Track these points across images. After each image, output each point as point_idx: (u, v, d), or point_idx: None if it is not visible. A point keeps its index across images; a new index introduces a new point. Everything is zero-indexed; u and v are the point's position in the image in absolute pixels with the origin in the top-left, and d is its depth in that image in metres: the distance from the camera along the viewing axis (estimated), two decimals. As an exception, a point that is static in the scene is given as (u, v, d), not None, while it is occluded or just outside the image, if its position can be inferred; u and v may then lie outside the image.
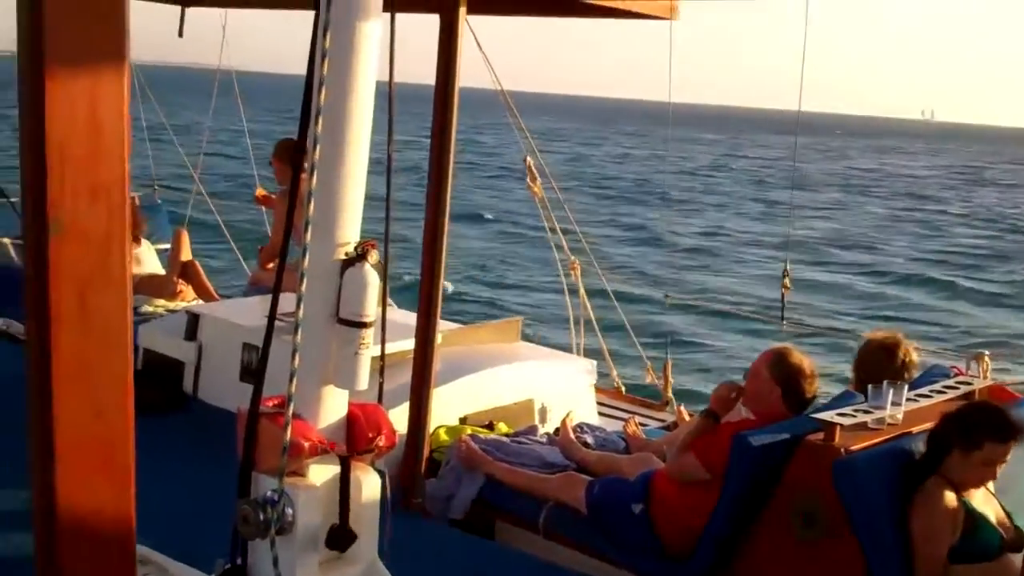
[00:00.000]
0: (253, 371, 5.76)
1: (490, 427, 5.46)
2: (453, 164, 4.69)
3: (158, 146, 10.40)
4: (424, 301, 4.79)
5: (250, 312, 6.26)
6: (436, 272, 4.76)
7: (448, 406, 5.33)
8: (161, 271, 8.45)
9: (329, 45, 2.52)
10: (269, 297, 6.89)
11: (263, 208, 8.37)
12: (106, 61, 1.50)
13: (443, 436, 5.24)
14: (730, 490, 4.04)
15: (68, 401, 1.57)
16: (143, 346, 6.53)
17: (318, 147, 2.57)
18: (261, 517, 2.61)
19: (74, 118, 1.48)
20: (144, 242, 8.57)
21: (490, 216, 30.94)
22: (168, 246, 8.87)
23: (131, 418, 1.66)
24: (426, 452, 4.96)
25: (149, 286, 8.13)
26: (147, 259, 8.49)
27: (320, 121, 2.55)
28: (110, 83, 1.50)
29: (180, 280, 8.16)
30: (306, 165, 6.74)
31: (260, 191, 7.94)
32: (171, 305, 7.92)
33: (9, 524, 4.48)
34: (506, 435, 5.31)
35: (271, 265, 7.47)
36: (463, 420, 5.47)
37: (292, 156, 7.01)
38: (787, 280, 6.33)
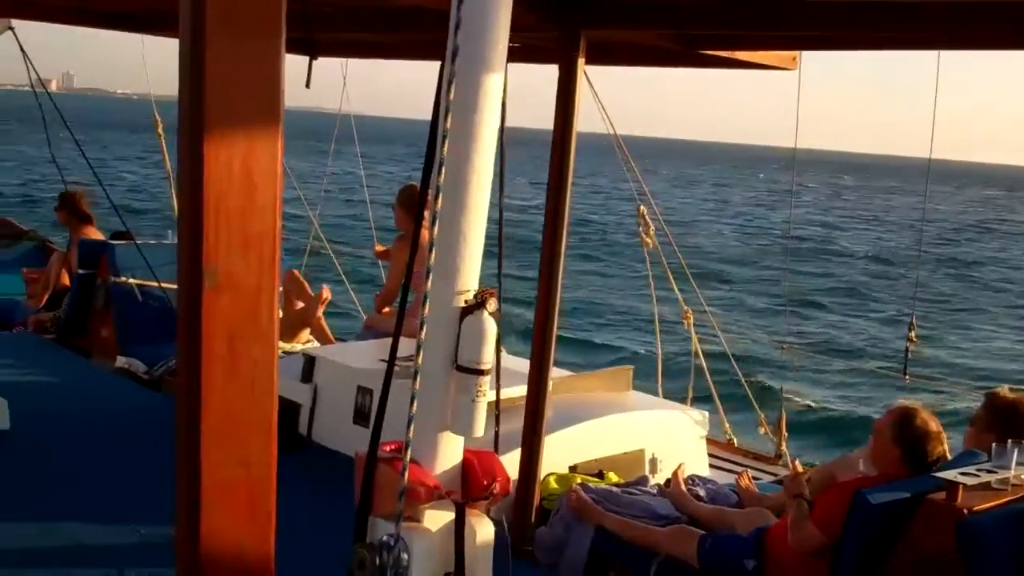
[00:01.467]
0: (366, 414, 5.84)
1: (600, 476, 5.43)
2: (569, 211, 4.71)
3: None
4: (537, 348, 4.81)
5: (365, 355, 6.35)
6: (550, 319, 4.77)
7: (558, 454, 5.32)
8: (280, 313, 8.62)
9: (453, 97, 2.57)
10: (384, 341, 7.06)
11: (381, 261, 8.51)
12: (262, 120, 1.55)
13: (553, 484, 5.22)
14: (849, 548, 3.95)
15: (215, 448, 1.61)
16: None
17: (440, 197, 2.62)
18: (377, 562, 2.64)
19: (231, 173, 1.53)
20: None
21: (602, 261, 30.88)
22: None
23: (274, 467, 1.69)
24: (536, 500, 4.95)
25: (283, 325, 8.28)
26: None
27: (443, 172, 2.59)
28: (265, 140, 1.55)
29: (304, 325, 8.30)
30: (427, 214, 6.81)
31: (379, 247, 8.07)
32: (287, 347, 8.08)
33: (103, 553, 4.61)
34: (616, 485, 5.27)
35: (386, 309, 7.58)
36: (573, 468, 5.44)
37: (407, 205, 7.22)
38: (912, 333, 6.20)
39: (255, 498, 1.66)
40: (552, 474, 5.27)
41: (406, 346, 6.50)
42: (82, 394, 7.23)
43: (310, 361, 6.35)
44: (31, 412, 6.37)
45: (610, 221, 42.19)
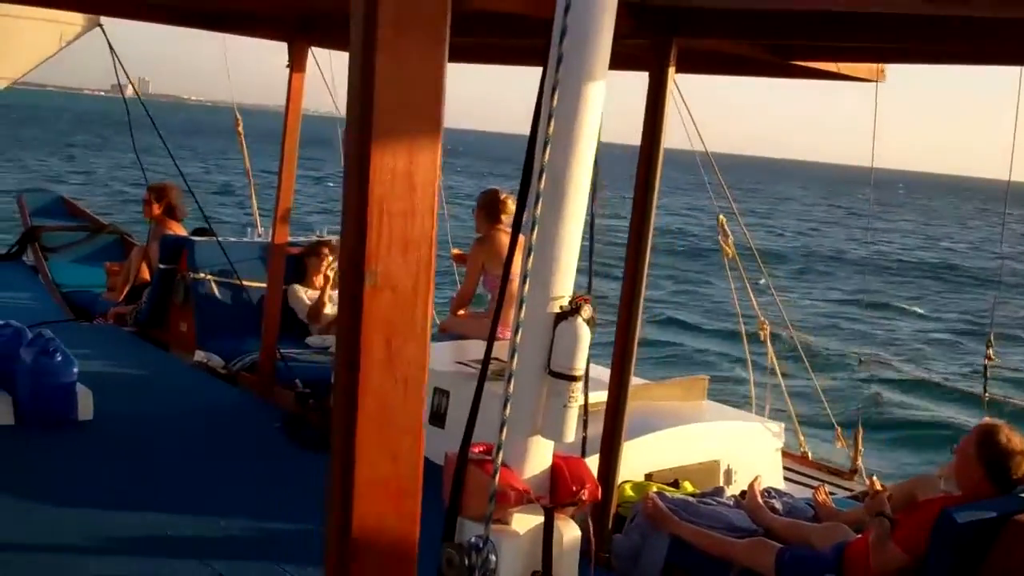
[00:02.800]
0: (442, 415, 5.88)
1: (676, 485, 5.42)
2: (654, 222, 4.71)
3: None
4: (618, 356, 4.81)
5: (440, 357, 6.38)
6: (632, 327, 4.77)
7: (634, 462, 5.31)
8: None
9: (555, 105, 2.59)
10: (460, 343, 7.08)
11: (456, 265, 8.55)
12: (424, 126, 1.59)
13: (629, 492, 5.22)
14: (933, 568, 3.90)
15: (369, 443, 1.65)
16: (337, 385, 6.73)
17: (539, 203, 2.63)
18: (466, 562, 2.66)
19: (394, 177, 1.58)
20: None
21: (676, 272, 30.74)
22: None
23: (421, 462, 1.73)
24: (613, 507, 4.95)
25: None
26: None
27: (543, 178, 2.61)
28: (426, 146, 1.59)
29: None
30: (506, 219, 6.82)
31: (456, 251, 8.12)
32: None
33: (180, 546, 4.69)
34: (692, 495, 5.26)
35: (461, 312, 7.62)
36: (649, 477, 5.44)
37: (487, 209, 7.26)
38: (991, 351, 6.11)
39: (403, 491, 1.70)
40: (628, 481, 5.27)
41: (479, 349, 6.54)
42: (162, 387, 7.36)
43: (387, 362, 6.41)
44: (113, 403, 6.50)
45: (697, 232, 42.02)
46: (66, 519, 4.84)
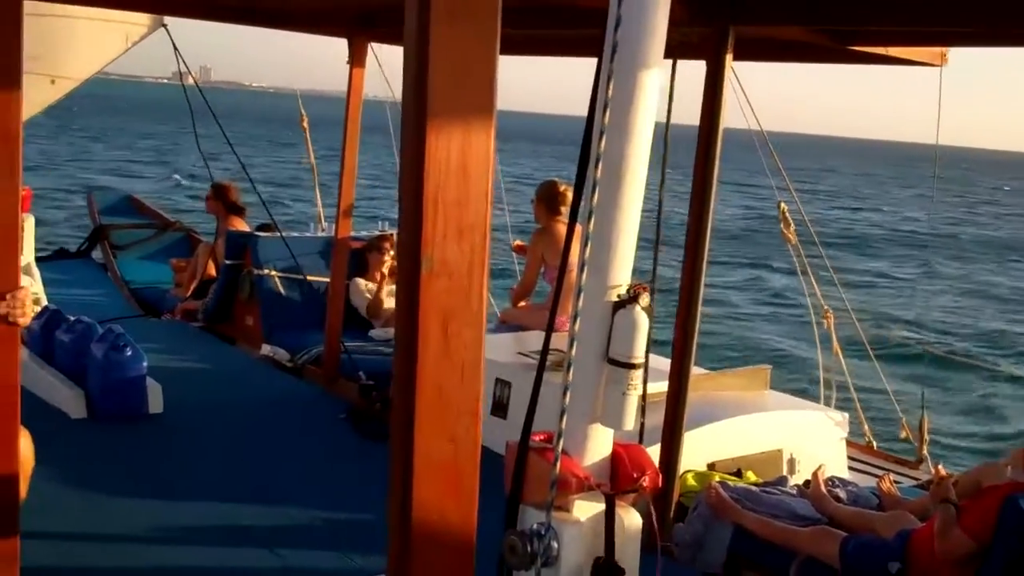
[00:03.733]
0: (504, 405, 5.92)
1: (738, 475, 5.40)
2: (714, 209, 4.70)
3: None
4: (679, 344, 4.81)
5: (501, 348, 6.42)
6: (692, 315, 4.77)
7: (696, 451, 5.31)
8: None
9: (611, 94, 2.60)
10: (521, 334, 7.11)
11: (516, 255, 8.58)
12: (478, 114, 1.63)
13: (691, 481, 5.22)
14: (998, 554, 3.86)
15: (427, 425, 1.69)
16: (400, 377, 6.81)
17: (596, 191, 2.65)
18: (528, 548, 2.68)
19: (448, 166, 1.62)
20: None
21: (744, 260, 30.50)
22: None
23: (479, 445, 1.77)
24: (675, 496, 4.95)
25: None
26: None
27: (600, 167, 2.62)
28: (480, 134, 1.63)
29: None
30: (565, 210, 6.85)
31: (517, 242, 8.14)
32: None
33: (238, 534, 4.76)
34: (755, 484, 5.24)
35: (522, 303, 7.66)
36: (711, 466, 5.43)
37: (546, 200, 7.28)
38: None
39: (461, 473, 1.74)
40: (690, 471, 5.26)
41: (540, 340, 6.56)
42: (230, 380, 7.49)
43: (449, 353, 6.45)
44: (182, 396, 6.62)
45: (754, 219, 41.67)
46: (137, 509, 4.95)
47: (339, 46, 7.20)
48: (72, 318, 6.92)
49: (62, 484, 5.12)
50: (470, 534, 1.79)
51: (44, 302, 7.59)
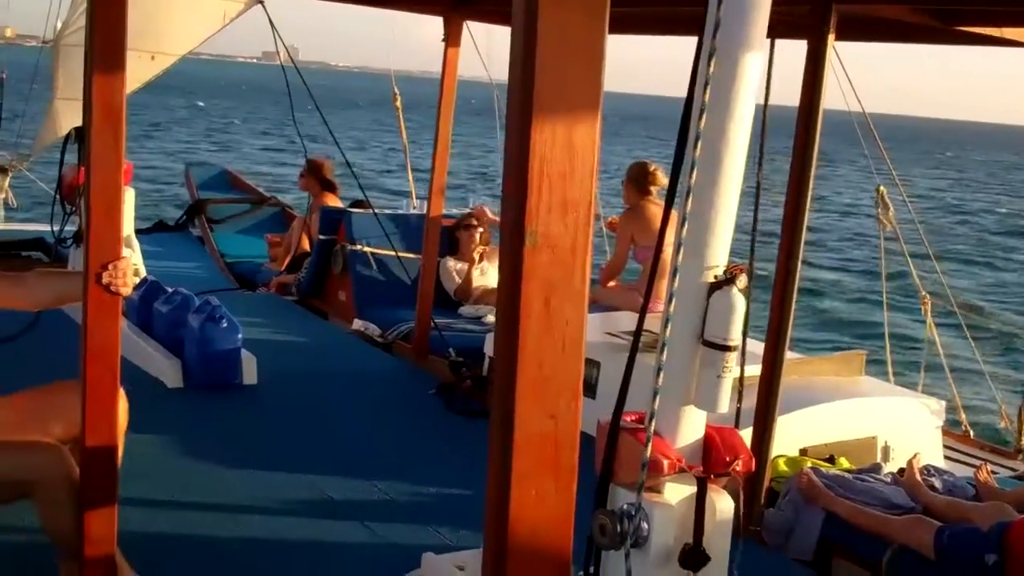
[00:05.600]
0: (592, 386, 5.90)
1: (831, 461, 5.33)
2: (812, 191, 4.62)
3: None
4: (774, 327, 4.75)
5: (590, 328, 6.35)
6: (788, 298, 4.71)
7: (788, 436, 5.24)
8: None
9: (712, 72, 2.56)
10: (608, 315, 7.08)
11: (610, 231, 8.54)
12: (585, 88, 1.62)
13: (783, 466, 5.16)
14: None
15: (528, 401, 1.69)
16: (489, 354, 6.84)
17: (695, 170, 2.61)
18: (618, 529, 2.67)
19: (554, 139, 1.61)
20: (494, 259, 8.96)
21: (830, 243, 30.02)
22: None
23: (578, 424, 1.76)
24: (766, 481, 4.90)
25: (495, 297, 8.49)
26: (493, 275, 8.88)
27: (699, 146, 2.59)
28: (586, 108, 1.62)
29: None
30: (655, 190, 6.79)
31: (613, 219, 8.10)
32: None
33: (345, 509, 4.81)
34: (848, 471, 5.16)
35: (611, 284, 7.63)
36: (803, 452, 5.36)
37: (636, 180, 7.23)
38: None
39: (561, 450, 1.73)
40: (782, 456, 5.20)
41: (629, 320, 6.54)
42: (322, 354, 7.59)
43: (539, 332, 6.45)
44: (276, 369, 6.73)
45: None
46: (231, 479, 5.04)
47: (429, 26, 7.21)
48: (170, 289, 7.06)
49: (158, 452, 5.23)
50: (568, 512, 1.79)
51: (143, 273, 7.75)
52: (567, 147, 1.63)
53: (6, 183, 12.04)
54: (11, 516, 3.94)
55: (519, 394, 1.68)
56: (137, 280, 7.16)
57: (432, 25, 7.19)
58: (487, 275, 8.79)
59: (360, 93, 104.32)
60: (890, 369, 7.27)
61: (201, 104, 76.13)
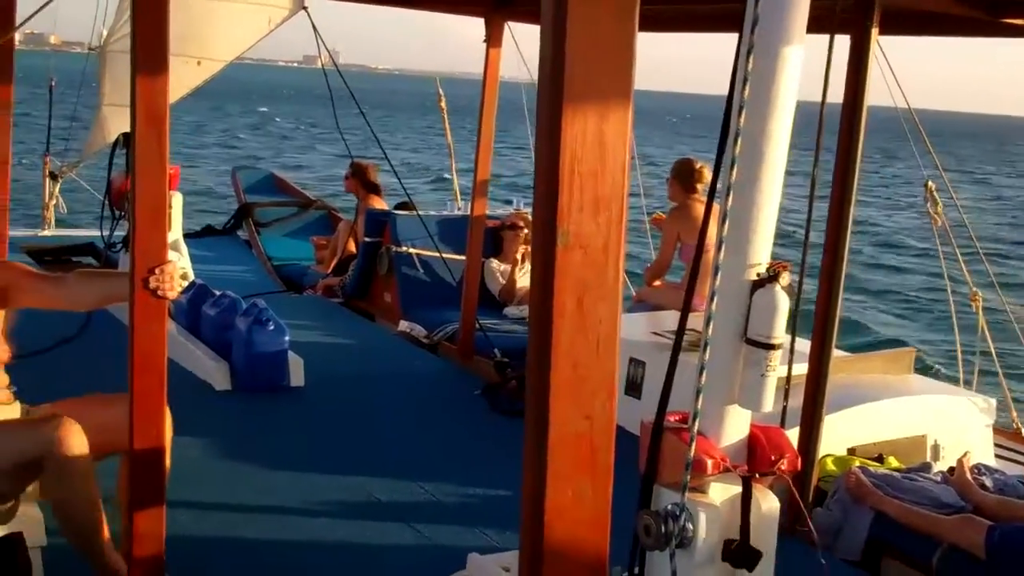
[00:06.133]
0: (638, 385, 5.89)
1: (880, 460, 5.27)
2: (857, 188, 4.57)
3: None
4: (819, 326, 4.70)
5: (636, 328, 6.39)
6: (834, 296, 4.66)
7: (836, 435, 5.20)
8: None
9: (751, 68, 2.54)
10: (654, 314, 7.06)
11: (656, 229, 8.49)
12: (616, 84, 1.62)
13: (830, 465, 5.12)
14: None
15: (562, 402, 1.68)
16: (534, 355, 6.84)
17: (735, 168, 2.60)
18: (663, 529, 2.66)
19: (585, 137, 1.60)
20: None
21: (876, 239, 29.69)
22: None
23: (613, 424, 1.75)
24: (814, 480, 4.86)
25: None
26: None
27: (739, 143, 2.57)
28: (617, 105, 1.61)
29: None
30: (701, 187, 6.74)
31: (659, 215, 8.06)
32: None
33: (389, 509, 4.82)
34: (897, 470, 5.11)
35: (657, 283, 7.60)
36: (851, 451, 5.31)
37: (681, 177, 7.20)
38: None
39: (596, 451, 1.73)
40: (829, 455, 5.16)
41: (675, 320, 6.51)
42: (368, 355, 7.63)
43: (584, 332, 6.44)
44: (323, 370, 6.77)
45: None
46: (278, 480, 5.08)
47: (468, 27, 7.23)
48: (218, 292, 7.13)
49: (206, 454, 5.28)
50: (604, 513, 1.78)
51: (191, 277, 7.83)
52: (598, 145, 1.62)
53: (56, 189, 12.21)
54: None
55: (553, 394, 1.67)
56: (185, 284, 7.23)
57: (471, 27, 7.19)
58: (528, 276, 8.77)
59: (401, 96, 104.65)
60: (961, 370, 7.17)
61: (264, 109, 76.69)
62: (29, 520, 3.65)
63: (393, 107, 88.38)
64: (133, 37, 3.15)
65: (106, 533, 3.65)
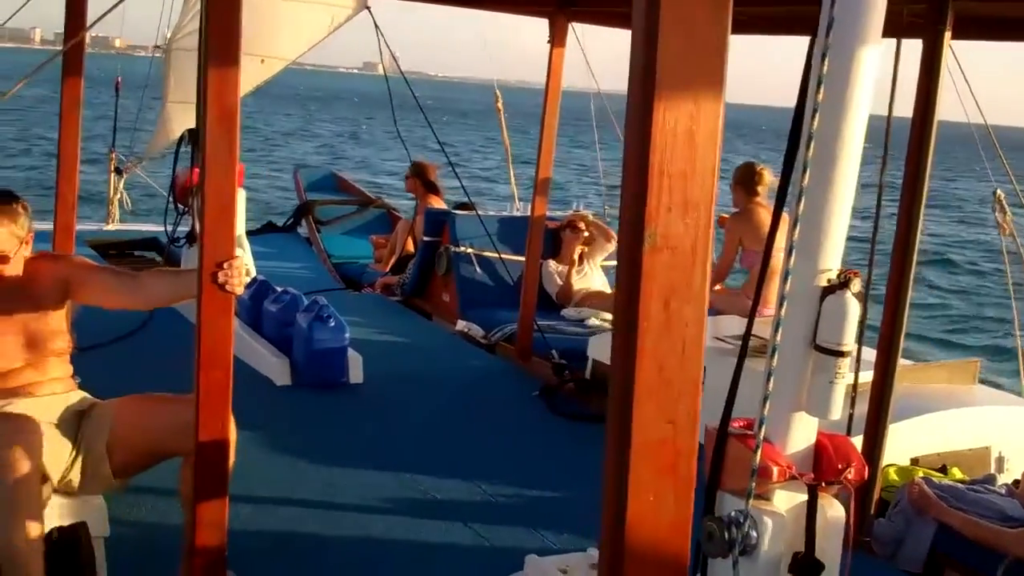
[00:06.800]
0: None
1: (943, 471, 5.19)
2: (926, 198, 4.50)
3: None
4: (886, 333, 4.64)
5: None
6: (900, 305, 4.60)
7: (899, 445, 5.13)
8: (608, 289, 8.78)
9: (825, 71, 2.51)
10: (715, 319, 7.01)
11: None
12: (707, 86, 1.60)
13: (893, 476, 5.05)
14: None
15: (646, 405, 1.67)
16: (592, 357, 6.82)
17: (807, 172, 2.56)
18: (726, 536, 2.63)
19: (675, 138, 1.59)
20: (594, 259, 8.94)
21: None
22: (615, 263, 9.22)
23: (697, 430, 1.74)
24: (877, 490, 4.80)
25: (597, 300, 8.49)
26: (594, 277, 8.86)
27: (812, 146, 2.54)
28: (708, 106, 1.59)
29: None
30: (762, 190, 6.65)
31: (724, 216, 7.99)
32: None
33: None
34: (960, 482, 5.03)
35: (717, 287, 7.54)
36: (914, 461, 5.24)
37: (743, 182, 7.14)
38: None
39: (679, 456, 1.71)
40: (892, 465, 5.09)
41: (736, 325, 6.44)
42: (427, 354, 7.65)
43: (643, 335, 6.40)
44: (382, 368, 6.80)
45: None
46: (337, 476, 5.11)
47: (526, 37, 7.22)
48: (279, 289, 7.18)
49: (266, 449, 5.32)
50: (686, 520, 1.76)
51: (254, 273, 7.89)
52: (689, 146, 1.60)
53: (121, 184, 12.39)
54: (125, 509, 4.05)
55: (637, 399, 1.65)
56: (248, 280, 7.28)
57: (529, 35, 7.19)
58: (588, 277, 8.77)
59: (460, 103, 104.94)
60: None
61: (320, 113, 77.26)
62: (93, 510, 3.69)
63: (451, 112, 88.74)
64: (205, 35, 3.18)
65: None
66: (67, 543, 3.45)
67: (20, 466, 3.19)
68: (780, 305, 2.59)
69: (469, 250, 9.01)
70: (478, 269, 8.95)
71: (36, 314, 3.68)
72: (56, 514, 3.54)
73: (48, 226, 5.68)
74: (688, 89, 1.60)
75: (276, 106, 67.62)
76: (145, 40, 11.43)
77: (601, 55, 9.33)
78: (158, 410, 3.69)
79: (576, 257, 8.78)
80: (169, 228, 8.55)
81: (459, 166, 8.89)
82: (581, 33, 7.65)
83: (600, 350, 6.77)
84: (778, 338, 2.60)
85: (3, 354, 3.63)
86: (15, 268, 3.67)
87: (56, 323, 3.74)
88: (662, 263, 1.64)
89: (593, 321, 8.15)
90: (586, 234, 8.82)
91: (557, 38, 7.08)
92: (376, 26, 9.35)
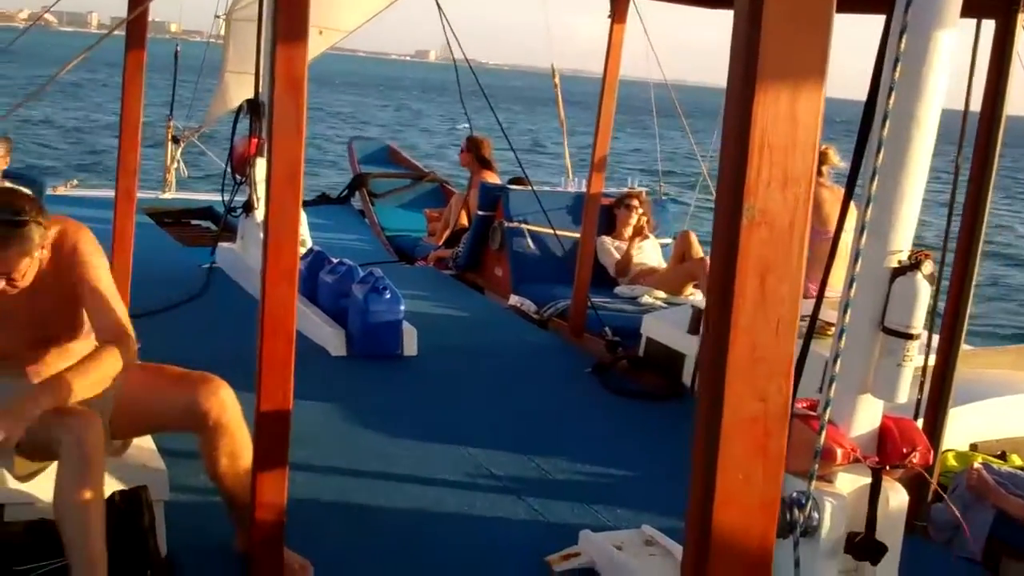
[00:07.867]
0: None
1: (1003, 458, 5.13)
2: (996, 178, 4.41)
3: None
4: (950, 317, 4.57)
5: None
6: (965, 288, 4.52)
7: (958, 430, 5.06)
8: (662, 265, 8.75)
9: (902, 49, 2.47)
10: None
11: None
12: (810, 59, 1.59)
13: (951, 461, 4.99)
14: None
15: (738, 382, 1.66)
16: (645, 335, 6.80)
17: (881, 151, 2.53)
18: (788, 517, 2.62)
19: (777, 111, 1.57)
20: (650, 236, 8.91)
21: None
22: (669, 240, 9.20)
23: (788, 408, 1.73)
24: (935, 475, 4.74)
25: (651, 277, 8.47)
26: (651, 253, 8.83)
27: (887, 125, 2.50)
28: (811, 80, 1.58)
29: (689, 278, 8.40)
30: (826, 170, 6.55)
31: None
32: (670, 297, 8.17)
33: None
34: (1020, 469, 4.96)
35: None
36: (973, 447, 5.17)
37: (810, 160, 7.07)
38: None
39: (770, 434, 1.70)
40: (951, 450, 5.03)
41: (807, 304, 6.37)
42: (479, 328, 7.66)
43: (698, 313, 6.38)
44: (435, 341, 6.82)
45: None
46: (391, 447, 5.13)
47: (580, 26, 7.18)
48: (335, 260, 7.22)
49: (321, 418, 5.36)
50: (775, 498, 1.75)
51: (309, 244, 7.94)
52: (790, 119, 1.58)
53: (179, 153, 12.51)
54: (185, 474, 4.10)
55: (730, 375, 1.64)
56: (303, 251, 7.34)
57: (583, 25, 7.16)
58: (643, 252, 8.75)
59: (515, 89, 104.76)
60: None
61: (416, 107, 77.36)
62: (154, 474, 3.73)
63: (504, 99, 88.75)
64: (274, 6, 3.20)
65: None
66: (128, 506, 3.49)
67: (94, 424, 3.22)
68: (849, 286, 2.57)
69: (523, 225, 9.00)
70: (531, 244, 8.94)
71: (54, 306, 3.51)
72: (117, 477, 3.58)
73: (110, 194, 5.73)
74: (791, 64, 1.58)
75: (330, 92, 67.78)
76: (200, 25, 11.60)
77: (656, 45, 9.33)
78: (164, 390, 3.63)
79: (628, 233, 8.75)
80: (226, 198, 8.62)
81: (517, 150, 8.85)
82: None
83: (654, 328, 6.75)
84: (847, 320, 2.57)
85: (24, 342, 3.55)
86: (32, 273, 3.39)
87: (74, 309, 3.60)
88: (760, 238, 1.62)
89: (646, 299, 8.13)
90: (640, 211, 8.79)
91: (618, 13, 7.03)
92: (439, 6, 9.32)
